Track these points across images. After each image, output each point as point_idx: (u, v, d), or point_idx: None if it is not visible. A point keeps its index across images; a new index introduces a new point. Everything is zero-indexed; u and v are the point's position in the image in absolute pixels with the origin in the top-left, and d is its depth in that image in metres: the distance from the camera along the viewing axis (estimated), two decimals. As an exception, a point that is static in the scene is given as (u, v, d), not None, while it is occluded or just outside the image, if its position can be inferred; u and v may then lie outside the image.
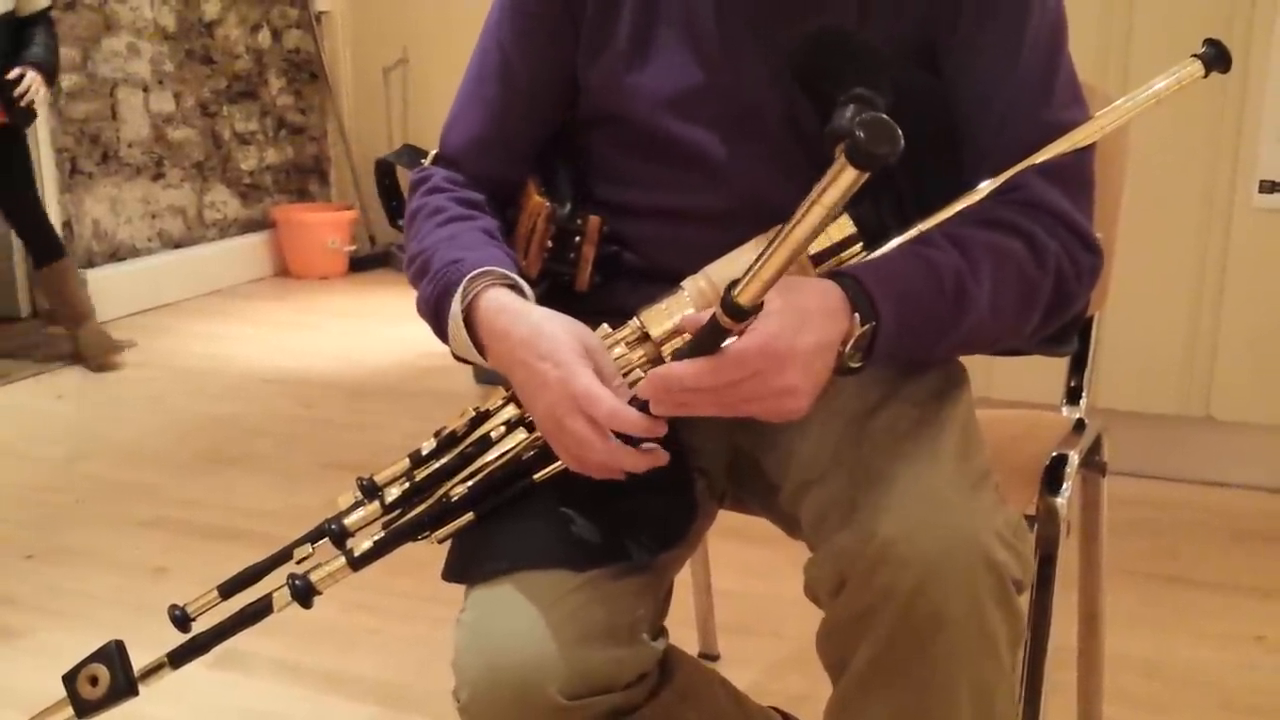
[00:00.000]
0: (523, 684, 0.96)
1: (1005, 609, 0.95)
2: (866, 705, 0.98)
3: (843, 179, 0.79)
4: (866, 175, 0.79)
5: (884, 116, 0.77)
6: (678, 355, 0.94)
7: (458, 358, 1.13)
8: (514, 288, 1.08)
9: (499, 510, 1.06)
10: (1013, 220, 1.06)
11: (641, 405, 0.97)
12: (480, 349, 1.08)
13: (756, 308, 0.88)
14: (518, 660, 0.97)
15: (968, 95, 1.09)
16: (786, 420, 0.95)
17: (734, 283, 0.87)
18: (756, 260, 0.86)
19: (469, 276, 1.07)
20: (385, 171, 1.34)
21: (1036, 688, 1.24)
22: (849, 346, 0.96)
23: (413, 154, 1.29)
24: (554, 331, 1.02)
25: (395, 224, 1.31)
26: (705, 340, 0.91)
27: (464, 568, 1.06)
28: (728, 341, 0.91)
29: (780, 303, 0.91)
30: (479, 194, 1.20)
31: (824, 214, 0.81)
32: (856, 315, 0.96)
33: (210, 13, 4.74)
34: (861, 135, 0.77)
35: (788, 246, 0.84)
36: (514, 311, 1.05)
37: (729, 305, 0.87)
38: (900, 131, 0.77)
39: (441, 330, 1.11)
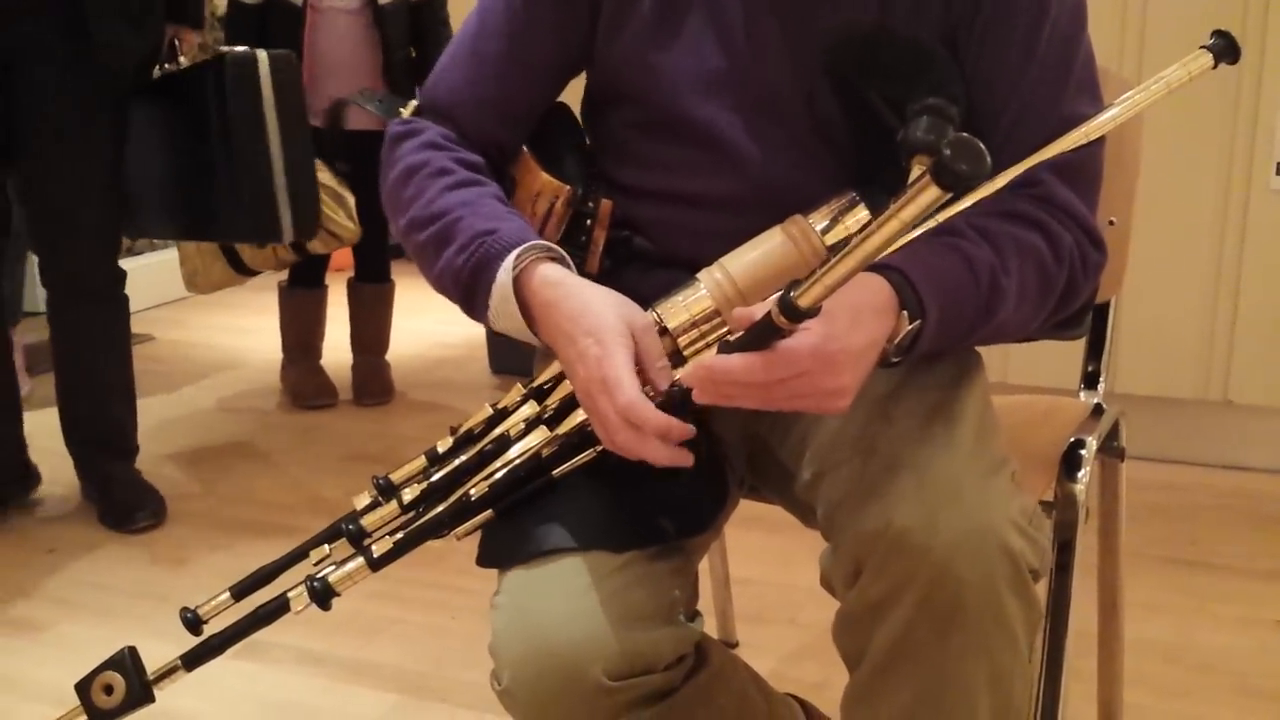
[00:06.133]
0: (569, 665, 0.97)
1: (1022, 597, 0.95)
2: (884, 693, 0.99)
3: (924, 196, 0.77)
4: (949, 195, 0.77)
5: (970, 136, 0.75)
6: (724, 348, 0.93)
7: (496, 331, 1.11)
8: (560, 261, 1.08)
9: (522, 505, 1.06)
10: (1031, 213, 1.06)
11: (681, 391, 0.96)
12: (529, 321, 1.07)
13: (814, 310, 0.87)
14: (564, 641, 0.97)
15: (985, 87, 1.09)
16: (829, 414, 0.95)
17: (794, 283, 0.85)
18: (822, 265, 0.84)
19: (519, 249, 1.06)
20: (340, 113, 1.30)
21: (1056, 673, 1.24)
22: (893, 343, 0.96)
23: (391, 101, 1.26)
24: (602, 309, 1.01)
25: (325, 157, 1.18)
26: (758, 337, 0.90)
27: (500, 552, 1.07)
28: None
29: (835, 301, 0.90)
30: (476, 155, 1.18)
31: (900, 228, 0.79)
32: (905, 312, 0.96)
33: (222, 5, 4.74)
34: (948, 153, 0.74)
35: (857, 256, 0.82)
36: (567, 285, 1.04)
37: (787, 307, 0.86)
38: (986, 151, 0.75)
39: (473, 303, 1.09)
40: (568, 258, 1.09)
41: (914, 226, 0.80)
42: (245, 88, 2.36)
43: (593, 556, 1.02)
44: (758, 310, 0.91)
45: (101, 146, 2.38)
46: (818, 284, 0.84)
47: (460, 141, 1.19)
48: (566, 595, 1.00)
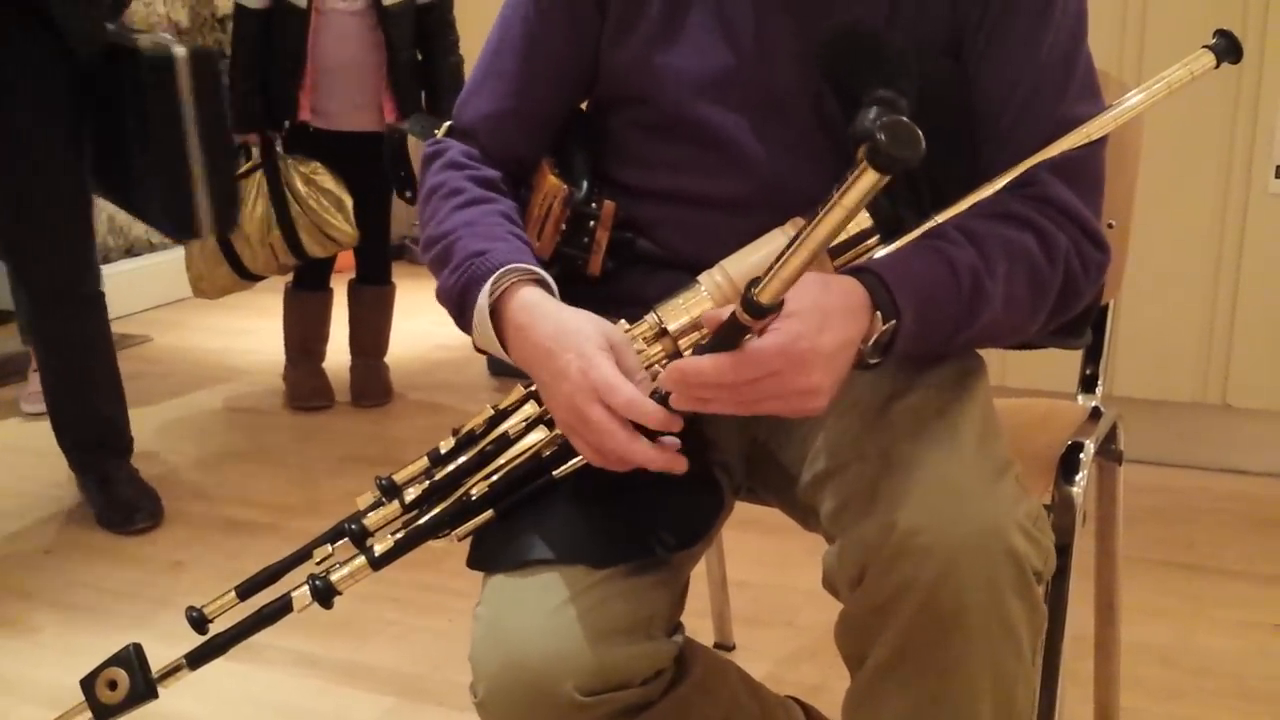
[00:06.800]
0: (540, 680, 0.97)
1: (1026, 600, 0.95)
2: (886, 696, 0.98)
3: (863, 181, 0.79)
4: (887, 179, 0.78)
5: (906, 120, 0.77)
6: (698, 351, 0.94)
7: (479, 349, 1.13)
8: (541, 283, 1.09)
9: (522, 506, 1.07)
10: (1025, 214, 1.06)
11: (662, 399, 0.97)
12: (503, 343, 1.08)
13: (777, 305, 0.88)
14: (536, 656, 0.97)
15: (987, 88, 1.09)
16: (805, 417, 0.95)
17: (754, 281, 0.87)
18: (777, 260, 0.85)
19: (499, 272, 1.07)
20: (397, 141, 1.33)
21: (1053, 676, 1.24)
22: (869, 344, 0.96)
23: (427, 123, 1.29)
24: (579, 325, 1.02)
25: (402, 195, 1.26)
26: (725, 337, 0.91)
27: (489, 557, 1.07)
28: (748, 338, 0.91)
29: (803, 302, 0.91)
30: (495, 171, 1.20)
31: (844, 215, 0.81)
32: (878, 313, 0.96)
33: (224, 7, 4.75)
34: (883, 138, 0.76)
35: (808, 247, 0.83)
36: (541, 308, 1.06)
37: (749, 303, 0.87)
38: (922, 135, 0.76)
39: (464, 321, 1.11)
40: (550, 280, 1.09)
41: (857, 212, 0.82)
42: (162, 89, 2.30)
43: (573, 570, 1.02)
44: (725, 311, 0.91)
45: (68, 146, 2.34)
46: (775, 278, 0.86)
47: (481, 159, 1.21)
48: (543, 609, 1.00)
